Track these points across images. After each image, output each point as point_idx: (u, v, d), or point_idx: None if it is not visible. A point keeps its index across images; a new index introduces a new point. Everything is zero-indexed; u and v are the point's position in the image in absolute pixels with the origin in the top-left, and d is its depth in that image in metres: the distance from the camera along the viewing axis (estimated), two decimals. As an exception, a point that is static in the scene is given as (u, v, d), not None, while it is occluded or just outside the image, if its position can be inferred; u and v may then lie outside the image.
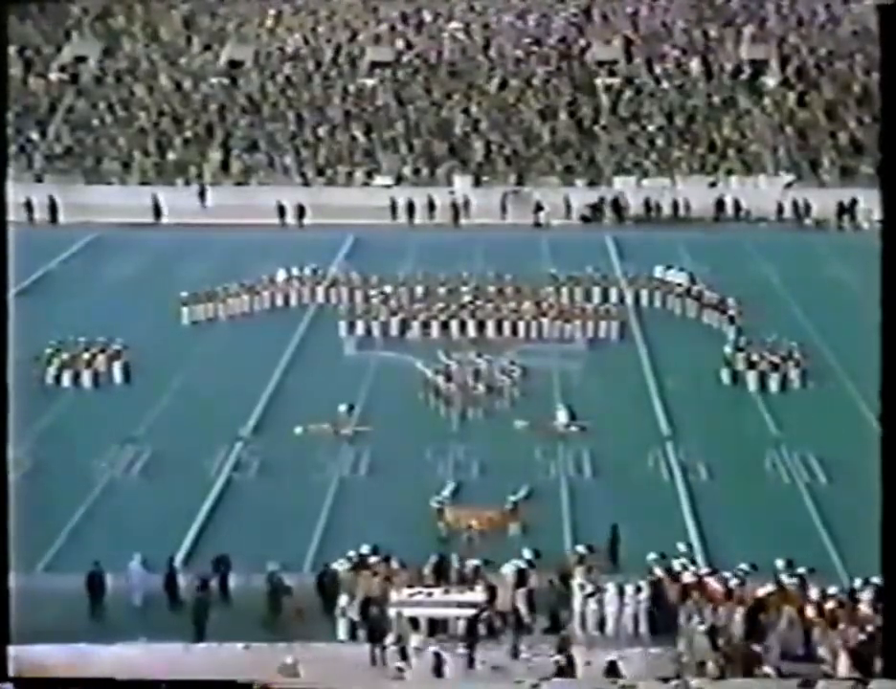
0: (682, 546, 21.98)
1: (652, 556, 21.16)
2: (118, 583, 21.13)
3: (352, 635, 20.24)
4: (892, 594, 15.83)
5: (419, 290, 38.55)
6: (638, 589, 20.39)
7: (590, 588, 20.34)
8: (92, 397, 31.63)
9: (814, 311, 36.91)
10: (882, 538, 15.60)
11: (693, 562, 21.52)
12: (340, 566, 21.10)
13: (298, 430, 28.67)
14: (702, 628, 19.18)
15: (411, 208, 50.81)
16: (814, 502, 24.99)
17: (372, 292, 38.58)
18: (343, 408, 29.51)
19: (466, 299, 37.37)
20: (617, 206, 51.40)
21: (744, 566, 20.98)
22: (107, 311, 38.12)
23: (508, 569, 20.95)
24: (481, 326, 35.97)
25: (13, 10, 55.26)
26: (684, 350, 34.55)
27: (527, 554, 21.52)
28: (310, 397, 30.69)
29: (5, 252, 17.76)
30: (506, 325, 35.99)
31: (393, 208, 50.92)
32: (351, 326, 36.48)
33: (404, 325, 36.31)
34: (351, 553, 21.42)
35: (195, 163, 55.53)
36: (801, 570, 20.59)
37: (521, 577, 20.84)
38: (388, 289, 38.74)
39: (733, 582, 20.33)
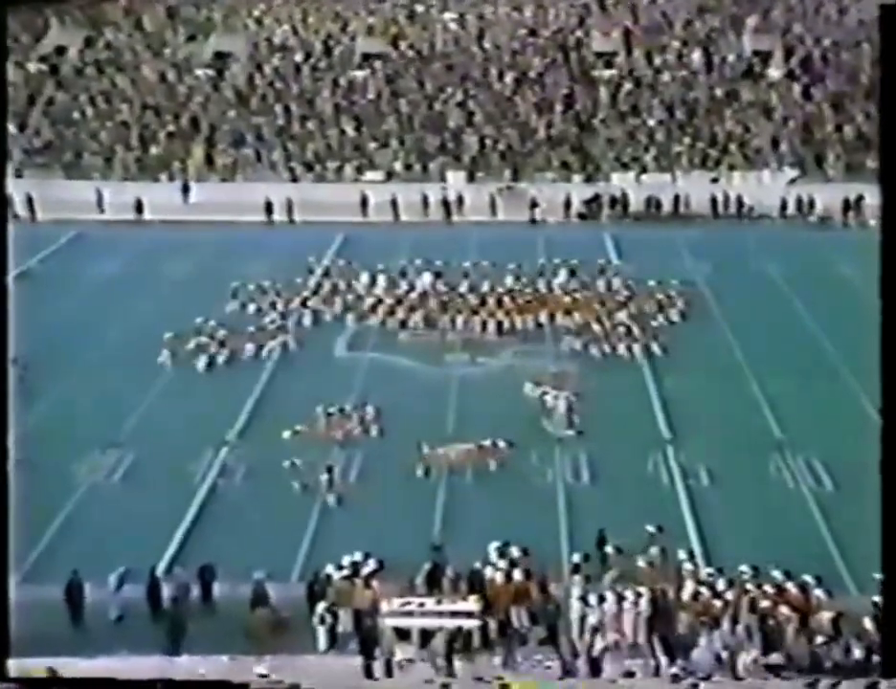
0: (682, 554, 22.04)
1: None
2: (98, 593, 21.10)
3: (332, 644, 20.27)
4: (892, 595, 15.97)
5: (411, 289, 38.65)
6: (638, 596, 20.39)
7: (592, 598, 20.34)
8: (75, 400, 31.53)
9: (818, 310, 36.95)
10: (882, 537, 15.75)
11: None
12: (333, 573, 21.13)
13: (286, 434, 28.64)
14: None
15: (397, 204, 50.72)
16: (819, 508, 25.00)
17: (363, 291, 38.60)
18: (333, 410, 29.53)
19: (460, 298, 37.45)
20: (615, 202, 51.36)
21: (744, 567, 21.09)
22: (89, 311, 38.09)
23: (497, 576, 21.04)
24: (482, 327, 36.01)
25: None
26: (683, 345, 34.66)
27: (515, 552, 21.83)
28: (299, 400, 30.63)
29: (4, 250, 17.88)
30: (501, 326, 35.99)
31: (364, 203, 50.70)
32: (341, 327, 36.41)
33: (395, 326, 36.31)
34: (344, 562, 21.44)
35: (179, 157, 55.44)
36: (807, 578, 20.65)
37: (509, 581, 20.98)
38: (379, 288, 38.80)
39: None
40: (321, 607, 20.47)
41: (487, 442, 27.81)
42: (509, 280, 39.26)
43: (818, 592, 20.39)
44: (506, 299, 37.35)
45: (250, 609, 20.67)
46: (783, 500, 25.63)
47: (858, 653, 19.03)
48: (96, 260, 44.11)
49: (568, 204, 50.68)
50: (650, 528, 22.73)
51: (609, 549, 22.14)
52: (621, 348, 34.43)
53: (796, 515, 24.88)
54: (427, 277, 39.54)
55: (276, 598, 20.98)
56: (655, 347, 34.44)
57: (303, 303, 38.32)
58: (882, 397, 15.60)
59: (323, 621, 20.35)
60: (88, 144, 56.21)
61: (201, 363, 33.44)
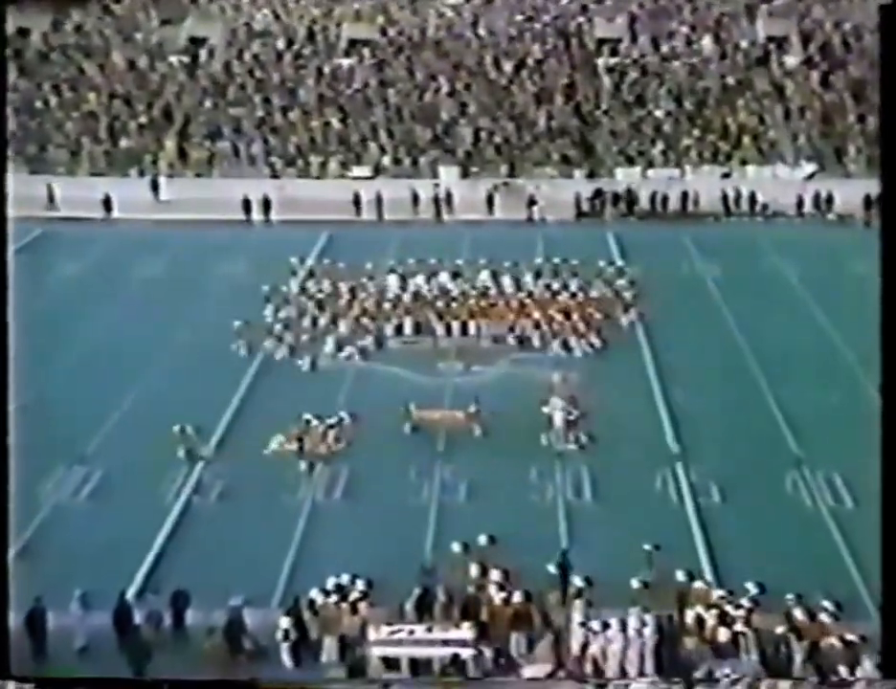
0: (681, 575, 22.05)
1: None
2: (62, 621, 21.04)
3: (297, 663, 20.35)
4: (892, 592, 16.33)
5: (401, 293, 38.65)
6: (643, 624, 20.39)
7: (595, 626, 20.35)
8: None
9: (837, 315, 37.00)
10: (882, 536, 16.08)
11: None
12: (316, 597, 21.13)
13: (267, 448, 28.61)
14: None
15: (385, 202, 50.76)
16: (839, 528, 25.00)
17: (348, 295, 38.59)
18: (316, 423, 29.51)
19: (452, 302, 37.48)
20: (618, 199, 51.42)
21: (750, 585, 21.21)
22: (55, 315, 38.06)
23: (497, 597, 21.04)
24: (472, 332, 36.07)
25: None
26: (694, 355, 34.75)
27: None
28: (280, 412, 30.58)
29: (4, 249, 17.99)
30: (497, 332, 35.99)
31: (357, 202, 50.76)
32: (326, 333, 36.37)
33: (384, 332, 36.31)
34: (329, 586, 21.42)
35: (151, 151, 55.42)
36: (826, 604, 20.64)
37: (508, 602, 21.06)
38: (365, 293, 38.80)
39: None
40: (284, 622, 20.52)
41: (472, 409, 29.96)
42: (506, 283, 39.26)
43: (824, 617, 20.37)
44: (502, 302, 37.37)
45: (228, 637, 20.62)
46: (801, 519, 25.63)
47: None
48: (61, 261, 44.09)
49: (578, 203, 50.74)
50: (647, 547, 22.63)
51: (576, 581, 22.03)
52: (626, 355, 34.45)
53: (815, 535, 24.88)
54: (444, 277, 39.65)
55: (255, 626, 20.93)
56: (662, 354, 34.46)
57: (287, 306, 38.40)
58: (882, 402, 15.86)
59: (287, 638, 20.38)
60: (53, 135, 56.16)
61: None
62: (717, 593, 21.48)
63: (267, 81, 59.15)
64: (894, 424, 16.32)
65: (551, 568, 22.17)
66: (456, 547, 22.95)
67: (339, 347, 35.39)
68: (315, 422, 29.57)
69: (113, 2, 63.27)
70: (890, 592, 16.44)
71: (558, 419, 29.75)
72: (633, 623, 20.33)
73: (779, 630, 20.19)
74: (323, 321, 37.02)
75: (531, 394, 31.32)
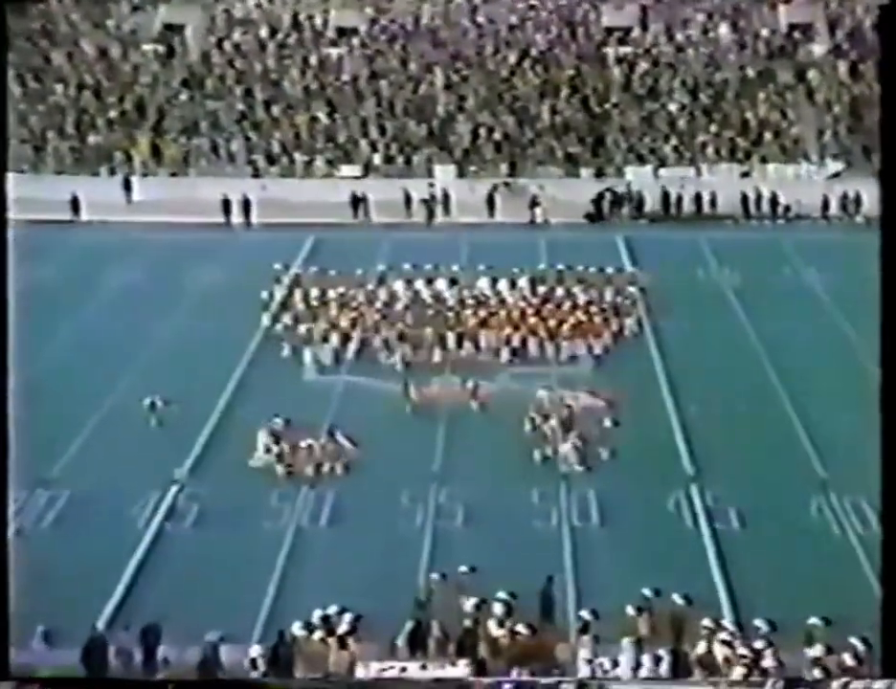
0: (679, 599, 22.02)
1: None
2: (23, 659, 20.97)
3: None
4: (892, 594, 16.39)
5: (396, 301, 38.71)
6: (658, 661, 20.36)
7: (605, 663, 20.34)
8: None
9: (865, 326, 36.94)
10: (882, 534, 16.51)
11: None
12: (300, 632, 21.12)
13: (246, 470, 28.58)
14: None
15: (368, 202, 50.90)
16: (867, 557, 24.96)
17: (336, 305, 38.61)
18: (301, 443, 29.48)
19: (448, 312, 37.50)
20: (625, 200, 51.54)
21: (760, 623, 21.16)
22: (18, 325, 38.00)
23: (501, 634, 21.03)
24: (469, 344, 36.09)
25: None
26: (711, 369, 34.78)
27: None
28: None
29: (4, 251, 18.68)
30: (496, 343, 36.01)
31: (355, 204, 50.90)
32: (313, 345, 36.38)
33: (374, 345, 36.30)
34: (314, 619, 21.38)
35: (123, 148, 55.46)
36: (854, 641, 20.60)
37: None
38: (355, 302, 38.82)
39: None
40: (255, 650, 20.52)
41: (470, 384, 32.58)
42: (506, 291, 39.31)
43: (848, 657, 20.34)
44: (502, 312, 37.42)
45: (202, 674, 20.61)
46: (826, 546, 25.63)
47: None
48: (25, 267, 43.87)
49: (598, 206, 50.93)
50: (645, 591, 22.45)
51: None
52: (637, 369, 34.49)
53: (842, 564, 24.86)
54: (442, 284, 39.76)
55: (232, 663, 20.88)
56: (676, 368, 34.48)
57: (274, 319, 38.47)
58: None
59: (254, 667, 20.36)
60: (16, 130, 56.14)
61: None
62: (730, 626, 21.48)
63: (249, 73, 59.28)
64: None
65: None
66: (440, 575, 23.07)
67: (327, 361, 35.44)
68: (302, 442, 29.55)
69: None
70: (890, 593, 16.57)
71: (562, 438, 29.74)
72: (646, 660, 20.31)
73: (801, 667, 20.16)
74: (310, 332, 37.04)
75: (533, 411, 31.33)
